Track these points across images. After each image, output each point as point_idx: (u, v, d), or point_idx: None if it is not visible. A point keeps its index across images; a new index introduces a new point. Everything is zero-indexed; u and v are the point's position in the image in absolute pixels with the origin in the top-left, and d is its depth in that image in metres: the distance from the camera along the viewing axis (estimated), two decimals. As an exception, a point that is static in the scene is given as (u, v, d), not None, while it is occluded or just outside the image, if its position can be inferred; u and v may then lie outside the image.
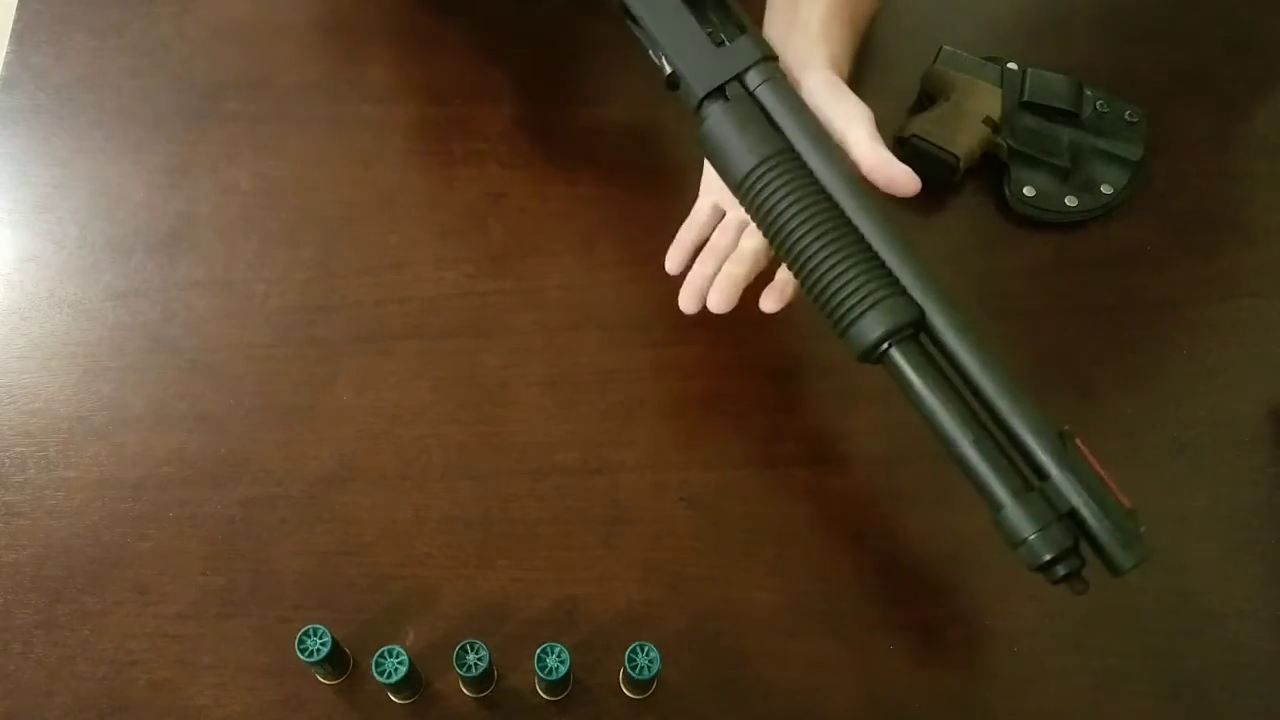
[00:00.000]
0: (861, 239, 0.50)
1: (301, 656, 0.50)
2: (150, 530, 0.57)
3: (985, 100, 0.71)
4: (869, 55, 0.68)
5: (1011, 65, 0.72)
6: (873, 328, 0.49)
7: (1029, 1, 0.80)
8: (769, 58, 0.55)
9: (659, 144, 0.70)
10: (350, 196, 0.67)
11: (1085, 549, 0.47)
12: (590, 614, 0.56)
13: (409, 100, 0.70)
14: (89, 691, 0.53)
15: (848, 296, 0.50)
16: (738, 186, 0.54)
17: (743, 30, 0.55)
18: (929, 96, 0.73)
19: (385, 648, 0.50)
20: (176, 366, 0.61)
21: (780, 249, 0.53)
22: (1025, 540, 0.46)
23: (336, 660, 0.52)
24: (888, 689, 0.56)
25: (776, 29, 0.60)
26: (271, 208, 0.66)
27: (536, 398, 0.62)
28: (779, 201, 0.51)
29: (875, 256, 0.50)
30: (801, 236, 0.51)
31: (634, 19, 0.56)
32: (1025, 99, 0.70)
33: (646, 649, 0.50)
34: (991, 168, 0.70)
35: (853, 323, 0.50)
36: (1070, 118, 0.71)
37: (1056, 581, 0.47)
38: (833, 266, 0.50)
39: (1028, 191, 0.69)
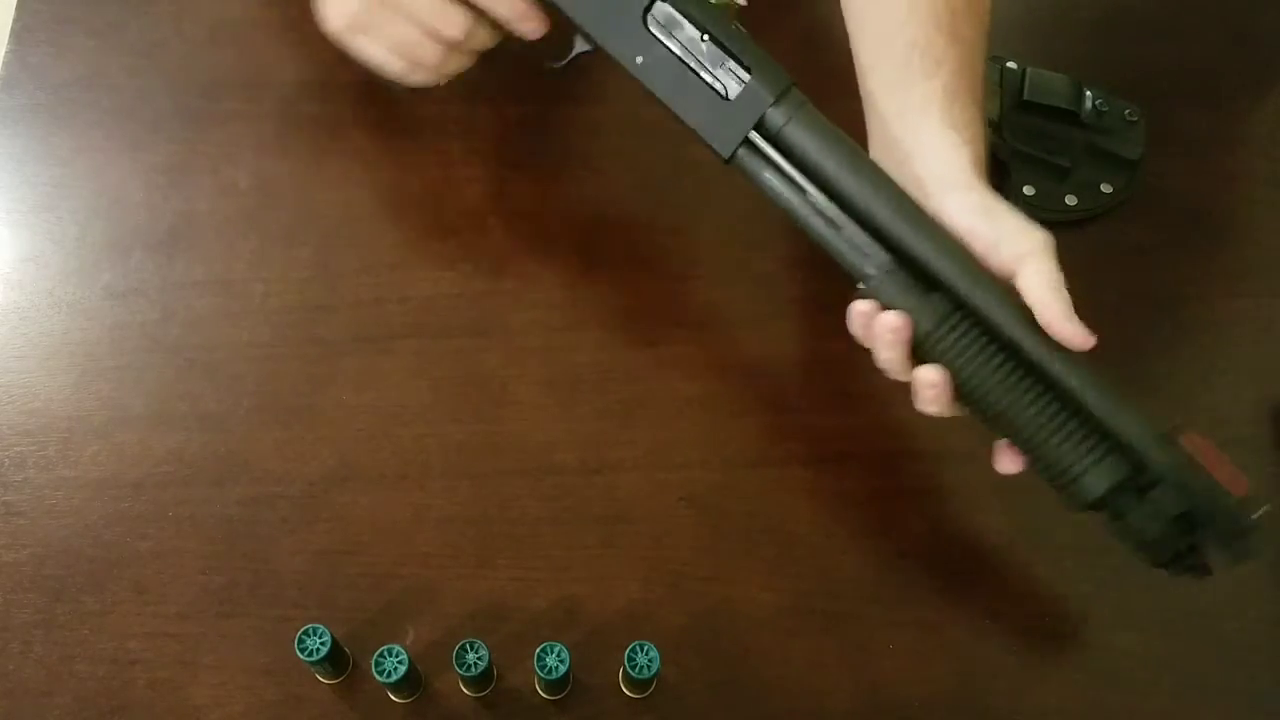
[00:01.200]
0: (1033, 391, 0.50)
1: (301, 656, 0.50)
2: (150, 530, 0.57)
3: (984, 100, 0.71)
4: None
5: (1011, 65, 0.72)
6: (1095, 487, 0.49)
7: (1029, 1, 0.80)
8: (778, 100, 0.52)
9: (660, 143, 0.70)
10: (350, 196, 0.67)
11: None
12: (590, 613, 0.56)
13: (409, 100, 0.70)
14: (89, 691, 0.53)
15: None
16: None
17: (749, 70, 0.53)
18: (929, 96, 0.73)
19: (385, 647, 0.50)
20: (176, 366, 0.61)
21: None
22: (1145, 542, 0.49)
23: (336, 660, 0.52)
24: (888, 689, 0.56)
25: (879, 114, 0.55)
26: (270, 207, 0.66)
27: (536, 397, 0.62)
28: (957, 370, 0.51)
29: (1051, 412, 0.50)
30: (991, 408, 0.51)
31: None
32: (1025, 98, 0.70)
33: (646, 648, 0.50)
34: (991, 167, 0.70)
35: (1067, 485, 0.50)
36: (1070, 117, 0.70)
37: (1176, 574, 0.50)
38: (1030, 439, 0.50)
39: (1027, 191, 0.69)
